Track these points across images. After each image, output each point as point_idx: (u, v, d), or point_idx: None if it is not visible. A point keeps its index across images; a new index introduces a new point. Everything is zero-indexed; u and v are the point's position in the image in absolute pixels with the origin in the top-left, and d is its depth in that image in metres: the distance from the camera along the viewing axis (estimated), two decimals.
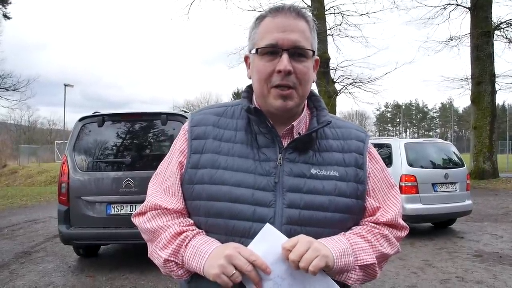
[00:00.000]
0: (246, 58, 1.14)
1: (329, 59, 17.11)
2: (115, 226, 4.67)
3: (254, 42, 1.07)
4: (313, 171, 1.05)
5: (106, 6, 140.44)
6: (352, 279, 1.02)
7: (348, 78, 17.75)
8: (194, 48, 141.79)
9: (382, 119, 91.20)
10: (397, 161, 6.80)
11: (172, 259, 1.03)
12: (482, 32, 16.13)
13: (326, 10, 17.42)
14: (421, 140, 8.43)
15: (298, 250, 0.90)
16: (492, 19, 16.72)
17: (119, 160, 4.98)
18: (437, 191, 6.73)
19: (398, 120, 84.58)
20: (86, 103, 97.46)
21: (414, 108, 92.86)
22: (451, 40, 17.88)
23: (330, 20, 17.92)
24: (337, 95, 17.42)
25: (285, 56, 1.00)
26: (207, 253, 0.97)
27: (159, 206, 1.08)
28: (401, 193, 6.49)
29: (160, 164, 1.17)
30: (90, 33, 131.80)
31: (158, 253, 1.05)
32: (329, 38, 17.56)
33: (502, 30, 17.00)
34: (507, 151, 28.05)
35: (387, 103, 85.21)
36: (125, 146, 5.11)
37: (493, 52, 16.53)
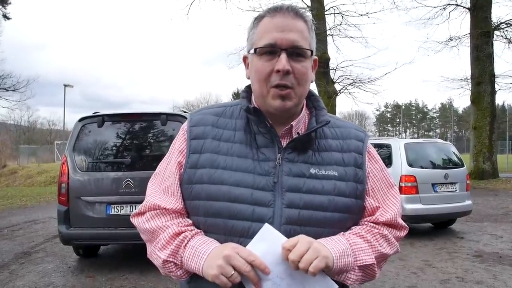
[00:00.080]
0: (245, 59, 1.14)
1: (329, 59, 17.11)
2: (115, 226, 4.67)
3: (252, 42, 1.07)
4: (313, 170, 1.04)
5: (105, 6, 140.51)
6: (351, 279, 1.02)
7: (348, 79, 17.76)
8: (194, 49, 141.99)
9: (382, 120, 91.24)
10: (397, 161, 6.80)
11: (171, 259, 1.03)
12: (482, 32, 16.14)
13: (326, 11, 17.42)
14: (421, 140, 8.43)
15: (298, 250, 0.90)
16: (492, 19, 16.73)
17: (119, 160, 4.97)
18: (437, 191, 6.73)
19: (398, 120, 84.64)
20: (85, 104, 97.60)
21: (414, 108, 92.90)
22: (451, 40, 17.90)
23: (330, 20, 18.00)
24: (337, 95, 17.42)
25: (283, 56, 1.00)
26: (206, 254, 0.96)
27: (158, 206, 1.08)
28: (401, 193, 6.48)
29: (159, 164, 1.17)
30: (89, 34, 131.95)
31: (157, 254, 1.05)
32: (329, 39, 17.57)
33: (501, 30, 17.02)
34: (507, 151, 28.09)
35: (387, 103, 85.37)
36: (125, 147, 5.11)
37: (492, 52, 16.53)
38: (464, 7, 17.31)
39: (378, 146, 7.59)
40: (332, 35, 17.69)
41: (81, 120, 5.06)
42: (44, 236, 7.08)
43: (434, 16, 17.77)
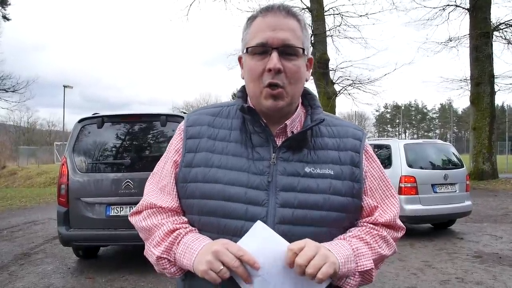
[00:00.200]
0: (240, 59, 1.14)
1: (328, 60, 17.11)
2: (114, 227, 4.66)
3: (246, 42, 1.08)
4: (307, 169, 1.04)
5: (105, 7, 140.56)
6: (350, 284, 1.01)
7: (348, 79, 17.75)
8: (194, 49, 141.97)
9: (381, 120, 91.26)
10: (397, 162, 6.81)
11: (164, 256, 1.04)
12: (481, 33, 16.15)
13: (326, 11, 17.44)
14: (420, 141, 8.43)
15: (306, 254, 0.88)
16: (491, 20, 16.76)
17: (118, 161, 4.97)
18: (436, 192, 6.73)
19: (397, 121, 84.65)
20: (85, 104, 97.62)
21: (413, 109, 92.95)
22: (450, 41, 17.92)
23: (329, 21, 17.95)
24: (336, 96, 17.41)
25: (274, 55, 1.00)
26: (197, 250, 0.97)
27: (154, 205, 1.10)
28: (401, 194, 6.49)
29: (157, 163, 1.18)
30: (89, 35, 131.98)
31: (151, 250, 1.06)
32: (329, 39, 17.60)
33: (501, 31, 17.03)
34: (506, 151, 28.08)
35: (386, 104, 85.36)
36: (125, 148, 5.11)
37: (492, 53, 16.55)
38: (463, 8, 17.33)
39: (377, 147, 7.60)
40: (331, 36, 17.72)
41: (80, 121, 5.06)
42: (44, 237, 7.07)
43: (434, 16, 17.83)
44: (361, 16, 17.13)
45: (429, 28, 25.95)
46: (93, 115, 5.12)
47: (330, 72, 17.49)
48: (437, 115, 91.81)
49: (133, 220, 1.15)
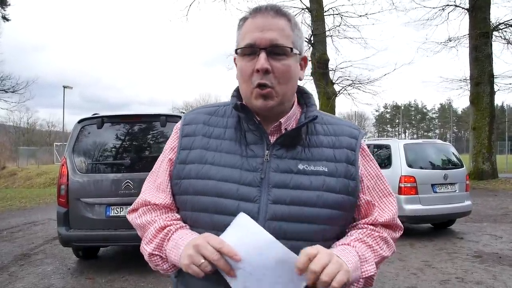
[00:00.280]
0: (235, 60, 1.15)
1: (328, 60, 17.11)
2: (114, 228, 4.66)
3: (237, 43, 1.09)
4: (301, 166, 1.04)
5: (105, 7, 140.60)
6: None
7: (347, 79, 17.75)
8: (194, 50, 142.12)
9: (381, 120, 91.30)
10: (397, 162, 6.81)
11: (156, 253, 1.05)
12: (481, 33, 16.16)
13: (325, 11, 17.45)
14: (420, 141, 8.43)
15: (320, 261, 0.87)
16: (491, 20, 16.77)
17: (118, 162, 4.97)
18: (436, 192, 6.74)
19: (397, 121, 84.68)
20: (85, 105, 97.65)
21: (413, 109, 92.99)
22: (450, 41, 17.93)
23: (329, 21, 17.95)
24: (336, 96, 17.42)
25: (262, 55, 1.01)
26: (183, 245, 0.98)
27: (148, 202, 1.12)
28: (401, 194, 6.49)
29: (156, 162, 1.20)
30: (89, 35, 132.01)
31: (144, 247, 1.08)
32: (328, 39, 17.60)
33: (500, 31, 17.05)
34: (506, 151, 28.11)
35: (386, 104, 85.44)
36: (125, 148, 5.11)
37: (491, 53, 16.56)
38: (463, 8, 17.35)
39: (377, 147, 7.61)
40: (331, 36, 17.73)
41: (80, 121, 5.06)
42: (44, 238, 7.07)
43: (433, 17, 17.85)
44: (360, 16, 17.16)
45: (429, 28, 25.95)
46: (93, 116, 5.12)
47: (330, 72, 17.49)
48: (437, 115, 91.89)
49: (129, 217, 1.18)
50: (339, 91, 17.85)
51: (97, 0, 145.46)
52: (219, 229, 0.99)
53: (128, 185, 4.70)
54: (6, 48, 42.21)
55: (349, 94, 18.19)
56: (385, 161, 7.06)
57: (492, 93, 16.52)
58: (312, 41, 17.02)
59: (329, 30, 17.55)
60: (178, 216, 1.09)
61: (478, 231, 7.09)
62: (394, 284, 4.43)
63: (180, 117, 5.10)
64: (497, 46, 28.69)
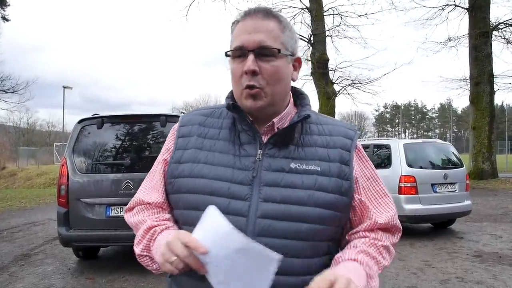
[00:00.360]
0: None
1: (328, 60, 17.11)
2: (114, 228, 4.66)
3: (230, 46, 1.11)
4: (293, 165, 1.04)
5: (104, 8, 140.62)
6: None
7: (347, 79, 17.74)
8: (193, 50, 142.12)
9: (381, 120, 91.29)
10: (396, 161, 6.81)
11: (145, 253, 1.06)
12: (481, 33, 16.16)
13: (325, 11, 17.44)
14: (420, 140, 8.44)
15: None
16: (490, 19, 16.78)
17: (118, 162, 4.98)
18: (436, 192, 6.74)
19: (397, 120, 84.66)
20: (85, 105, 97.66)
21: (413, 108, 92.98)
22: (450, 40, 17.93)
23: (328, 21, 17.95)
24: (336, 96, 17.42)
25: (250, 57, 1.02)
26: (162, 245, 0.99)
27: (142, 201, 1.14)
28: (401, 193, 6.50)
29: (154, 163, 1.22)
30: (88, 35, 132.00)
31: (134, 248, 1.09)
32: (328, 39, 17.58)
33: (500, 30, 17.06)
34: (506, 151, 28.13)
35: (386, 104, 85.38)
36: (125, 148, 5.11)
37: (491, 53, 16.56)
38: (462, 8, 17.35)
39: (377, 147, 7.61)
40: (331, 36, 17.71)
41: (80, 122, 5.07)
42: (44, 238, 7.08)
43: (433, 16, 17.84)
44: (360, 16, 17.15)
45: (428, 27, 25.85)
46: (93, 116, 5.13)
47: (330, 72, 17.49)
48: (437, 114, 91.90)
49: (125, 216, 1.20)
50: (339, 91, 17.85)
51: (97, 0, 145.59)
52: None
53: (128, 185, 4.70)
54: (6, 49, 42.24)
55: (349, 94, 18.20)
56: (385, 161, 7.06)
57: (492, 92, 16.52)
58: (312, 41, 17.03)
59: (328, 30, 17.55)
60: (168, 216, 1.10)
61: (478, 231, 7.10)
62: (394, 283, 4.43)
63: (180, 117, 5.12)
64: (497, 46, 28.68)
